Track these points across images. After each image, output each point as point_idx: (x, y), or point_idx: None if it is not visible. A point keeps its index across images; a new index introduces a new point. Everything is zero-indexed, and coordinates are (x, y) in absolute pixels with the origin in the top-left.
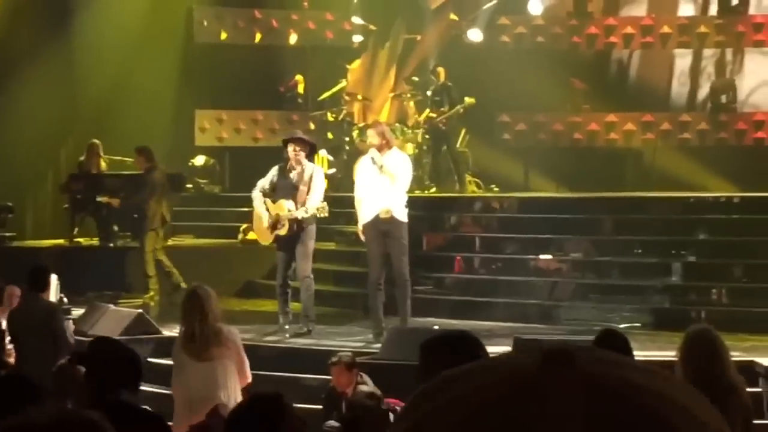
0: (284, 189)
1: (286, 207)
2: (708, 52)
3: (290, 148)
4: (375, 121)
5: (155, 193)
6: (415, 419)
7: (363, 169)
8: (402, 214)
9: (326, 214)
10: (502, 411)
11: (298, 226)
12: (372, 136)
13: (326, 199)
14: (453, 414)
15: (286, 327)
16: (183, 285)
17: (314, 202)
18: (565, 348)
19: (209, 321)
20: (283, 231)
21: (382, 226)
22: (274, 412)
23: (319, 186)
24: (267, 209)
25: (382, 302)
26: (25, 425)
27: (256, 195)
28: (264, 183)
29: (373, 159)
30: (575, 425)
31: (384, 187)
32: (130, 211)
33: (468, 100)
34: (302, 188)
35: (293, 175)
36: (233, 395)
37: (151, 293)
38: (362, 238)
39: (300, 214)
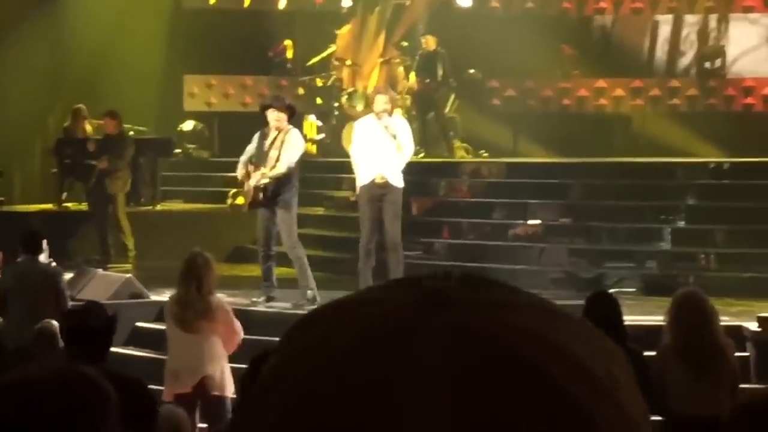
0: (260, 156)
1: (254, 176)
2: (694, 19)
3: (270, 115)
4: (381, 86)
5: (130, 156)
6: (283, 355)
7: (363, 131)
8: (398, 180)
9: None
10: (362, 363)
11: (265, 193)
12: (383, 102)
13: (316, 164)
14: (318, 356)
15: (270, 295)
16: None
17: (277, 168)
18: (443, 288)
19: (203, 291)
20: (240, 200)
21: (376, 190)
22: None
23: (290, 151)
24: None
25: (371, 267)
26: (26, 381)
27: (240, 163)
28: (248, 151)
29: (386, 127)
30: (441, 379)
31: (383, 152)
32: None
33: (472, 71)
34: (272, 153)
35: (267, 141)
36: (220, 367)
37: (132, 253)
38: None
39: (253, 182)
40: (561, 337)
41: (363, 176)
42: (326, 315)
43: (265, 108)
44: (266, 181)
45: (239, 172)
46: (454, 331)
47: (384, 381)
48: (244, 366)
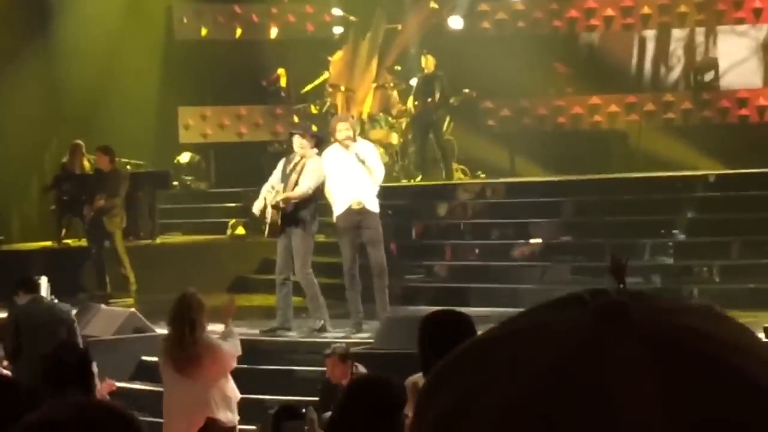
0: (283, 180)
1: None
2: (682, 33)
3: (294, 140)
4: (342, 115)
5: (123, 192)
6: (459, 390)
7: (332, 161)
8: (374, 205)
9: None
10: (564, 376)
11: (283, 217)
12: (346, 129)
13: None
14: (507, 385)
15: (288, 325)
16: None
17: (294, 192)
18: (616, 301)
19: (197, 330)
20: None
21: (354, 217)
22: None
23: (308, 176)
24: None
25: (359, 292)
26: (48, 422)
27: (261, 192)
28: (271, 179)
29: (357, 155)
30: (646, 385)
31: (355, 179)
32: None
33: (466, 91)
34: (292, 177)
35: (291, 166)
36: (220, 401)
37: (134, 288)
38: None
39: (271, 201)
40: (735, 337)
41: (339, 205)
42: (491, 347)
43: (291, 135)
44: (281, 198)
45: (257, 205)
46: (640, 340)
47: (591, 397)
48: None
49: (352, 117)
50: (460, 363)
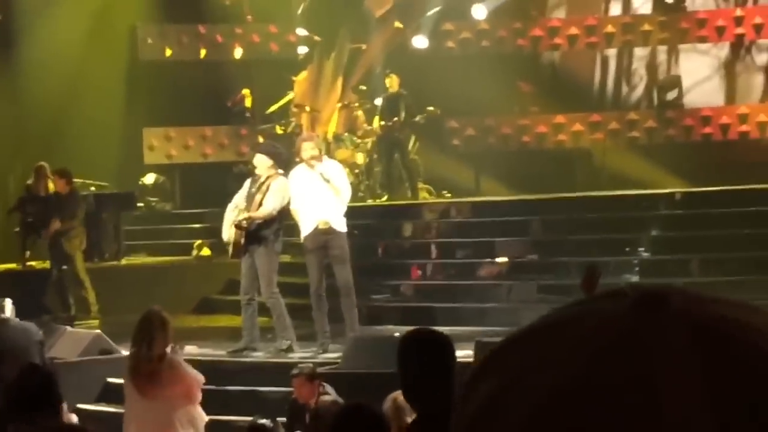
0: (248, 199)
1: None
2: (645, 52)
3: (255, 160)
4: (307, 134)
5: (81, 214)
6: (504, 378)
7: (298, 180)
8: (341, 225)
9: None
10: (606, 367)
11: (247, 236)
12: (311, 149)
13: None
14: (550, 372)
15: (254, 345)
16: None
17: (258, 212)
18: (656, 291)
19: (154, 348)
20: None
21: (321, 237)
22: None
23: (272, 197)
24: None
25: (325, 312)
26: None
27: (227, 211)
28: (235, 198)
29: (321, 174)
30: (689, 372)
31: (322, 199)
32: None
33: (431, 108)
34: (257, 197)
35: (256, 186)
36: (186, 423)
37: (95, 308)
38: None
39: (233, 220)
40: None
41: (306, 225)
42: (536, 336)
43: (254, 154)
44: (243, 218)
45: (225, 232)
46: (681, 328)
47: (632, 383)
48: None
49: (317, 136)
50: (505, 351)
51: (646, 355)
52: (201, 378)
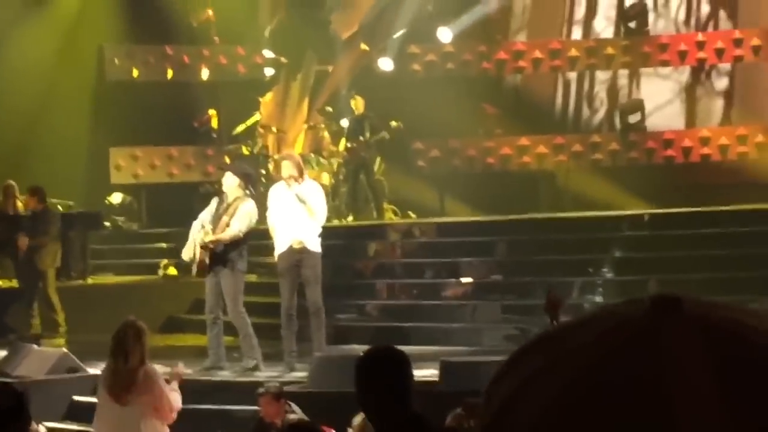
0: (214, 219)
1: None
2: (607, 75)
3: (224, 179)
4: (288, 153)
5: (56, 231)
6: (522, 378)
7: (276, 197)
8: (315, 245)
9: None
10: (618, 365)
11: (212, 257)
12: (289, 168)
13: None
14: (564, 370)
15: (220, 365)
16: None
17: (224, 233)
18: (670, 294)
19: (130, 361)
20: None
21: (294, 255)
22: None
23: (239, 219)
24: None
25: (294, 332)
26: None
27: (193, 226)
28: (201, 216)
29: (297, 195)
30: (701, 373)
31: (297, 218)
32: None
33: (394, 123)
34: (224, 219)
35: (223, 206)
36: None
37: (62, 329)
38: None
39: (198, 241)
40: None
41: (280, 243)
42: (556, 338)
43: (222, 170)
44: (210, 239)
45: (186, 252)
46: (693, 330)
47: (647, 380)
48: None
49: (297, 156)
50: (525, 353)
51: (659, 355)
52: (177, 403)
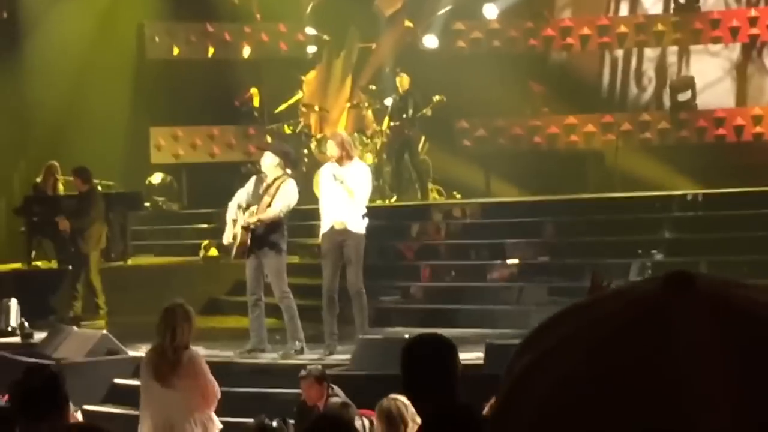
0: (255, 199)
1: (242, 218)
2: (656, 53)
3: (264, 159)
4: (334, 132)
5: (100, 213)
6: (540, 350)
7: (323, 179)
8: (357, 226)
9: (251, 221)
10: (630, 339)
11: (254, 238)
12: (332, 148)
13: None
14: (579, 344)
15: (262, 347)
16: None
17: (267, 213)
18: (684, 271)
19: (177, 338)
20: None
21: (337, 237)
22: None
23: (282, 199)
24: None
25: (335, 314)
26: None
27: (230, 207)
28: (238, 195)
29: (334, 175)
30: (711, 349)
31: (340, 199)
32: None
33: (437, 97)
34: (265, 199)
35: (263, 186)
36: (199, 423)
37: (102, 311)
38: None
39: (240, 222)
40: None
41: (324, 224)
42: (572, 314)
43: (262, 150)
44: (253, 220)
45: (227, 235)
46: (705, 305)
47: (656, 353)
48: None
49: (345, 135)
50: (543, 329)
51: (668, 331)
52: (217, 390)
